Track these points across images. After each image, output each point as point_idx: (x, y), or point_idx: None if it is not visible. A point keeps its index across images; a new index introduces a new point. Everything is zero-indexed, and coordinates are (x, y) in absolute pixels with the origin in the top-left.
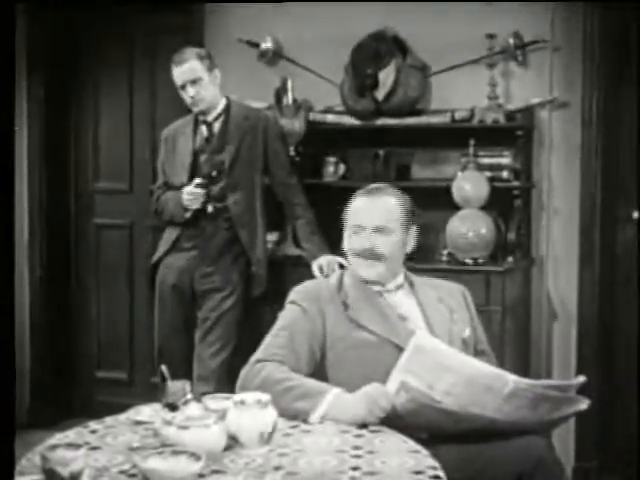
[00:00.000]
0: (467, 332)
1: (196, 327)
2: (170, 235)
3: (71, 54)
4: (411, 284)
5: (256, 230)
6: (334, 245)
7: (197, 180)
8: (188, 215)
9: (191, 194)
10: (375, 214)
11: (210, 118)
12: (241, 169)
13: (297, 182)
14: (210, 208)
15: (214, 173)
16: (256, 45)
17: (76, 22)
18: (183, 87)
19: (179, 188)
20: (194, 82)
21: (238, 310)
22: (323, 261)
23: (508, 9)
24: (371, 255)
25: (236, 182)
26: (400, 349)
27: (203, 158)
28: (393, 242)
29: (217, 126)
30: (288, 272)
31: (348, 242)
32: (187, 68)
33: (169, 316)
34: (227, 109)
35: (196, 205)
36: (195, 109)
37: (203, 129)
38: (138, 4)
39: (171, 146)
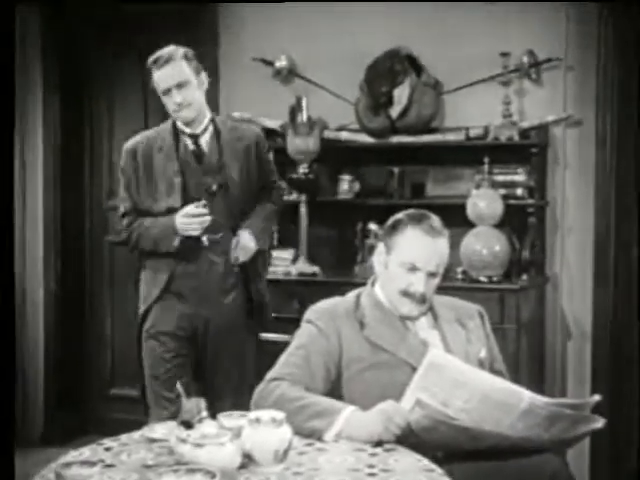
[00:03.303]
0: (483, 352)
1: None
2: (158, 275)
3: (86, 74)
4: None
5: (259, 261)
6: (347, 261)
7: (202, 202)
8: (177, 244)
9: (192, 217)
10: (434, 259)
11: (198, 130)
12: (243, 198)
13: (279, 187)
14: (205, 240)
15: (203, 202)
16: (271, 63)
17: (89, 40)
18: (167, 92)
19: (157, 215)
20: (180, 86)
21: (246, 341)
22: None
23: (522, 27)
24: (421, 298)
25: (240, 216)
26: (417, 371)
27: (192, 179)
28: (437, 283)
29: (206, 141)
30: (302, 290)
31: (398, 280)
32: (173, 70)
33: (163, 365)
34: (214, 123)
35: (197, 231)
36: (182, 118)
37: (188, 143)
38: (151, 23)
39: (143, 164)
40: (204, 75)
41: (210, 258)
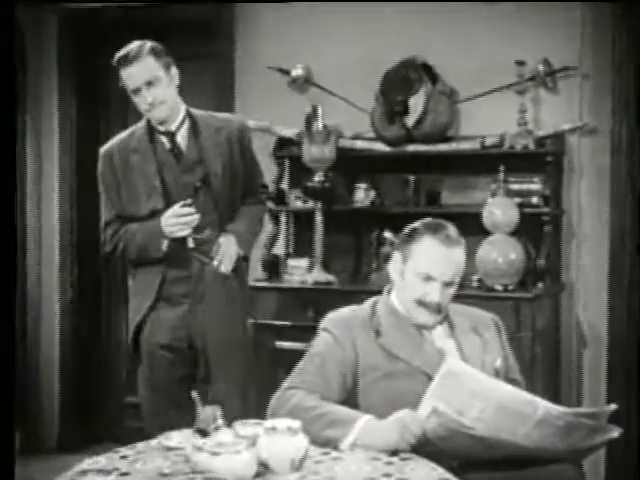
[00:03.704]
0: (499, 362)
1: (194, 383)
2: (149, 283)
3: (102, 82)
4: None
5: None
6: (363, 269)
7: (188, 200)
8: (165, 247)
9: (179, 217)
10: (450, 269)
11: (173, 127)
12: (228, 192)
13: (266, 187)
14: (191, 242)
15: (189, 200)
16: (287, 72)
17: (105, 43)
18: (136, 91)
19: (143, 218)
20: (151, 84)
21: (247, 343)
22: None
23: (537, 35)
24: (437, 308)
25: (227, 212)
26: (432, 380)
27: (171, 178)
28: (452, 292)
29: (182, 137)
30: (317, 298)
31: (414, 289)
32: (141, 67)
33: (163, 379)
34: (190, 117)
35: (185, 231)
36: (155, 118)
37: (163, 140)
38: (169, 30)
39: (121, 168)
40: (174, 70)
41: (200, 260)
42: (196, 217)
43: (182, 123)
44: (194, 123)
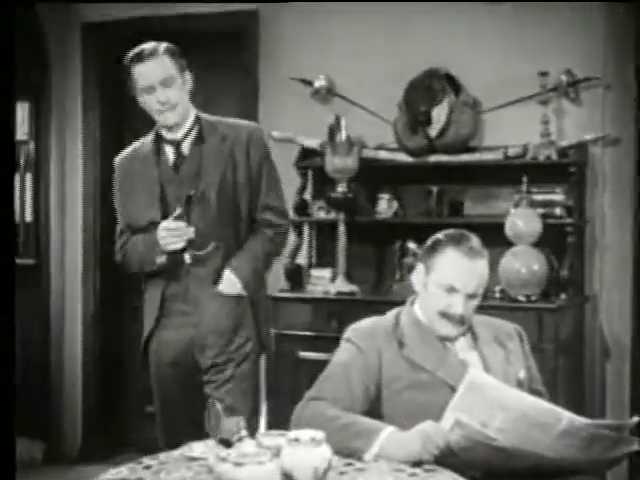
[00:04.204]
0: (522, 373)
1: (203, 395)
2: (153, 298)
3: (126, 90)
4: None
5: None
6: (386, 280)
7: (177, 211)
8: (160, 261)
9: (170, 230)
10: (473, 281)
11: (179, 135)
12: (229, 205)
13: (288, 220)
14: (188, 258)
15: (179, 211)
16: (310, 83)
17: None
18: (149, 90)
19: (145, 229)
20: (165, 83)
21: (252, 363)
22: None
23: (560, 46)
24: (460, 320)
25: (229, 226)
26: (455, 391)
27: (171, 189)
28: (475, 304)
29: (187, 147)
30: (340, 309)
31: (437, 301)
32: (157, 65)
33: (171, 394)
34: (198, 125)
35: (179, 244)
36: (165, 122)
37: (168, 151)
38: (193, 40)
39: (128, 178)
40: (188, 74)
41: (200, 277)
42: (190, 230)
43: (189, 131)
44: (201, 131)
